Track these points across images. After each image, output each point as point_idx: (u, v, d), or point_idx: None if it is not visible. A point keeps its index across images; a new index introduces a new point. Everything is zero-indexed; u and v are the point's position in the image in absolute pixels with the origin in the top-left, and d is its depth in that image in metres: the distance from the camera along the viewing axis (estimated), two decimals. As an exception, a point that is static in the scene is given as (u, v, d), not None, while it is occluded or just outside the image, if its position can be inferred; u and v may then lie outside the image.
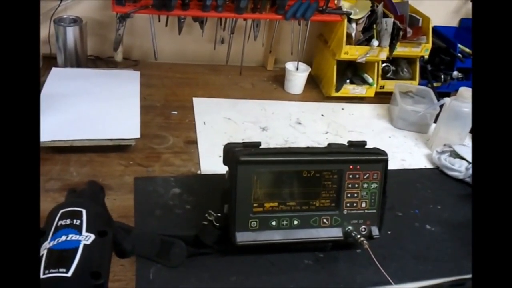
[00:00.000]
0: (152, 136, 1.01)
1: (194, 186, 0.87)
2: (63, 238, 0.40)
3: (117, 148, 0.93)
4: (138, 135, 0.92)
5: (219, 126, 1.08)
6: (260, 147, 0.71)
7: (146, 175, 0.90)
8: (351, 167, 0.70)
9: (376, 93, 1.28)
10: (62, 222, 0.42)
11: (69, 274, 0.36)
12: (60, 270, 0.36)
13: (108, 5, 1.19)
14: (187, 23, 1.20)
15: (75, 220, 0.42)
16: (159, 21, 1.18)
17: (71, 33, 1.12)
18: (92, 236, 0.41)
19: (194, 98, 1.17)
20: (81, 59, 1.17)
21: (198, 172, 0.92)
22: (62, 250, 0.39)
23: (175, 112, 1.11)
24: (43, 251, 0.39)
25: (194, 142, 1.01)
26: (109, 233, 0.44)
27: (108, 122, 0.93)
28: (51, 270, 0.36)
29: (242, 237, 0.69)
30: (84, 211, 0.44)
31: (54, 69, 1.08)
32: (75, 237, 0.40)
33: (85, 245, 0.40)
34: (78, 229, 0.42)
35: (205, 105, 1.15)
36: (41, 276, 0.35)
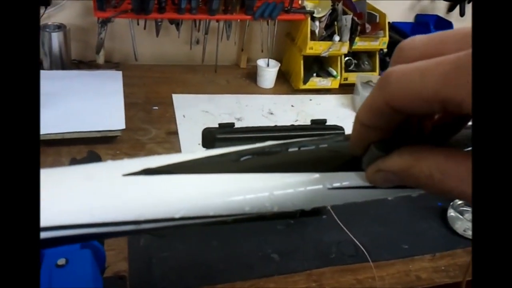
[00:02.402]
0: (136, 128, 1.10)
1: (177, 170, 0.97)
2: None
3: (104, 140, 1.02)
4: (123, 126, 1.00)
5: (198, 118, 1.17)
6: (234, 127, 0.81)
7: (132, 162, 0.98)
8: (313, 141, 0.81)
9: (340, 85, 1.40)
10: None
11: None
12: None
13: (89, 12, 1.28)
14: (164, 26, 1.29)
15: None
16: (138, 24, 1.27)
17: (56, 38, 1.20)
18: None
19: (173, 95, 1.26)
20: (66, 63, 1.25)
21: (180, 158, 1.02)
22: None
23: (156, 108, 1.20)
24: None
25: (175, 133, 1.11)
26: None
27: (95, 116, 1.02)
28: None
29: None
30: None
31: (41, 72, 1.16)
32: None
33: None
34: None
35: (184, 100, 1.25)
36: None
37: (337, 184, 0.21)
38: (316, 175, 0.21)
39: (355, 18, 1.29)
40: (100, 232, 0.19)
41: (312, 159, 0.22)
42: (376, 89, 0.20)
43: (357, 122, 0.21)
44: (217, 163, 0.21)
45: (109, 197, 0.19)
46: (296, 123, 1.21)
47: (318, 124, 0.84)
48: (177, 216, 0.20)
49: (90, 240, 0.20)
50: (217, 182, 0.20)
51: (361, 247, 0.82)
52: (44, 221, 0.19)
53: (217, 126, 1.11)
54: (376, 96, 0.20)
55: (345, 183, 0.21)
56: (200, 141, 1.06)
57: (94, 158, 0.66)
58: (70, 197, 0.19)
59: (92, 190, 0.20)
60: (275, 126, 0.84)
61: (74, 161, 0.63)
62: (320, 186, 0.21)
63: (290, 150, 0.23)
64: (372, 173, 0.21)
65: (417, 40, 0.21)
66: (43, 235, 0.19)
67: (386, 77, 0.19)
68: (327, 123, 0.86)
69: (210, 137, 0.78)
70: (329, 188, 0.21)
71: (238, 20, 1.34)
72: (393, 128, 0.20)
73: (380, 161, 0.21)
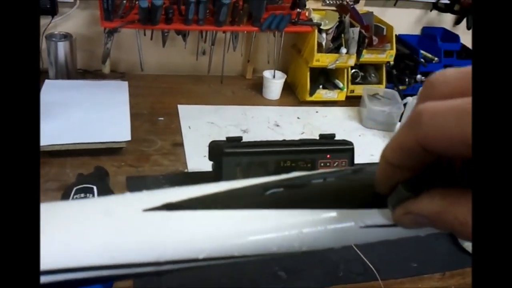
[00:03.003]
0: (141, 140, 1.09)
1: (182, 183, 0.95)
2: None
3: (109, 151, 1.01)
4: (129, 138, 0.99)
5: (203, 129, 1.16)
6: (242, 141, 0.80)
7: (137, 174, 0.97)
8: (322, 156, 0.80)
9: (347, 97, 1.39)
10: (77, 196, 0.50)
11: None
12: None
13: (95, 21, 1.28)
14: (170, 36, 1.29)
15: (88, 194, 0.50)
16: (145, 35, 1.27)
17: (62, 48, 1.20)
18: (103, 207, 0.49)
19: (179, 105, 1.26)
20: (71, 72, 1.25)
21: (186, 170, 1.00)
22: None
23: (162, 118, 1.19)
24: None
25: (181, 145, 1.09)
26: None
27: (100, 127, 1.01)
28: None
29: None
30: (95, 187, 0.52)
31: (47, 81, 1.16)
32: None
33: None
34: (91, 201, 0.49)
35: (190, 111, 1.24)
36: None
37: (369, 222, 0.20)
38: (347, 212, 0.20)
39: (363, 31, 1.29)
40: (118, 274, 0.18)
41: (339, 193, 0.21)
42: (406, 128, 0.19)
43: (384, 162, 0.20)
44: (241, 198, 0.20)
45: (129, 235, 0.18)
46: (302, 136, 1.20)
47: (327, 139, 0.83)
48: (200, 256, 0.18)
49: (106, 281, 0.18)
50: (243, 219, 0.19)
51: (369, 265, 0.80)
52: (56, 263, 0.17)
53: (223, 139, 1.10)
54: (406, 136, 0.19)
55: (378, 221, 0.20)
56: (205, 153, 1.05)
57: (101, 174, 0.65)
58: (87, 236, 0.18)
59: (111, 227, 0.18)
60: (284, 140, 0.83)
61: (81, 177, 0.62)
62: (352, 224, 0.20)
63: (314, 182, 0.22)
64: (401, 214, 0.20)
65: (449, 74, 0.20)
66: (53, 278, 0.17)
67: (418, 115, 0.18)
68: (335, 137, 0.85)
69: (217, 151, 0.77)
70: (362, 227, 0.20)
71: (245, 32, 1.33)
72: (422, 167, 0.19)
73: (409, 202, 0.20)
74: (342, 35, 1.31)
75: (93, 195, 0.50)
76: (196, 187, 0.21)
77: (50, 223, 0.18)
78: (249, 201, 0.20)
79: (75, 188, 0.51)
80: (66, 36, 1.23)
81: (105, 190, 0.53)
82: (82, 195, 0.50)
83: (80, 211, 0.19)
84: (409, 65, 1.47)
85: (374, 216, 0.20)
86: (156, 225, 0.19)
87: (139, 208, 0.19)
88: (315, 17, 1.33)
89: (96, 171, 0.64)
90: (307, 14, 1.32)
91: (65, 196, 0.51)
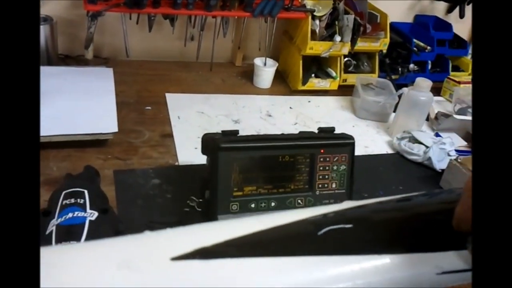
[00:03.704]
0: (128, 130, 1.03)
1: (173, 177, 0.91)
2: (70, 215, 0.43)
3: (94, 143, 0.95)
4: (116, 129, 0.94)
5: (193, 120, 1.12)
6: (238, 135, 0.76)
7: (125, 167, 0.92)
8: (322, 151, 0.76)
9: (339, 86, 1.36)
10: (67, 202, 0.45)
11: (80, 246, 0.39)
12: (71, 242, 0.39)
13: (77, 4, 1.21)
14: (157, 21, 1.23)
15: (79, 199, 0.46)
16: (130, 19, 1.20)
17: (42, 31, 1.12)
18: (96, 213, 0.45)
19: (167, 94, 1.20)
20: (52, 58, 1.18)
21: (176, 163, 0.96)
22: (70, 225, 0.42)
23: (149, 108, 1.14)
24: (52, 228, 0.42)
25: (170, 136, 1.05)
26: (110, 211, 0.47)
27: (85, 117, 0.95)
28: (63, 243, 0.39)
29: (224, 219, 0.74)
30: (86, 191, 0.47)
31: (26, 67, 1.09)
32: (80, 214, 0.43)
33: (90, 221, 0.43)
34: (82, 207, 0.45)
35: (178, 100, 1.19)
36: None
37: (447, 267, 0.16)
38: (419, 256, 0.17)
39: (358, 18, 1.25)
40: None
41: (403, 230, 0.18)
42: None
43: (468, 195, 0.17)
44: (290, 239, 0.17)
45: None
46: (295, 126, 1.16)
47: (326, 133, 0.80)
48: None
49: None
50: (297, 268, 0.16)
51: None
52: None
53: (215, 130, 1.06)
54: None
55: (457, 266, 0.17)
56: (196, 145, 1.01)
57: (91, 174, 0.60)
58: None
59: (132, 284, 0.14)
60: (282, 134, 0.79)
61: (69, 179, 0.57)
62: (426, 270, 0.16)
63: (371, 215, 0.18)
64: None
65: None
66: None
67: None
68: (334, 131, 0.82)
69: (212, 145, 0.73)
70: (438, 274, 0.16)
71: (236, 17, 1.28)
72: None
73: None
74: (336, 22, 1.27)
75: (84, 201, 0.46)
76: (233, 222, 0.17)
77: (53, 276, 0.14)
78: (301, 244, 0.16)
79: (64, 193, 0.47)
80: (47, 20, 1.15)
81: (97, 195, 0.49)
82: (72, 200, 0.45)
83: (89, 260, 0.15)
84: (402, 54, 1.45)
85: (452, 259, 0.17)
86: (190, 279, 0.15)
87: (165, 255, 0.15)
88: (308, 3, 1.28)
89: (86, 171, 0.59)
90: (299, 0, 1.28)
91: (53, 202, 0.47)
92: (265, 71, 1.31)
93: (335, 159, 0.78)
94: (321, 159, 0.77)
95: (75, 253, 0.15)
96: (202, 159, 0.82)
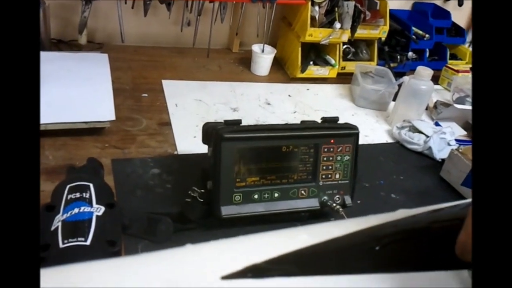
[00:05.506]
0: (124, 118, 1.01)
1: (173, 166, 0.89)
2: (76, 210, 0.41)
3: (91, 131, 0.93)
4: (113, 117, 0.92)
5: (191, 107, 1.10)
6: (241, 124, 0.74)
7: (122, 157, 0.90)
8: (329, 141, 0.75)
9: (338, 74, 1.34)
10: (72, 196, 0.44)
11: (88, 243, 0.38)
12: (79, 239, 0.38)
13: (70, -14, 1.17)
14: (153, 5, 1.19)
15: (84, 194, 0.44)
16: (126, 3, 1.17)
17: (34, 15, 1.09)
18: (103, 208, 0.43)
19: (163, 81, 1.18)
20: (45, 42, 1.14)
21: (175, 152, 0.94)
22: (77, 221, 0.40)
23: (146, 95, 1.12)
24: (57, 224, 0.40)
25: (168, 124, 1.03)
26: (116, 205, 0.46)
27: (81, 105, 0.92)
28: (70, 240, 0.38)
29: (227, 210, 0.72)
30: (91, 185, 0.45)
31: (18, 53, 1.05)
32: (87, 209, 0.42)
33: (97, 216, 0.42)
34: (88, 202, 0.43)
35: (175, 87, 1.17)
36: (60, 246, 0.36)
37: None
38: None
39: (358, 5, 1.23)
40: None
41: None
42: None
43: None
44: (347, 255, 0.15)
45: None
46: (295, 115, 1.15)
47: (330, 122, 0.78)
48: None
49: None
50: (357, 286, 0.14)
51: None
52: None
53: (213, 118, 1.04)
54: None
55: None
56: (195, 133, 0.99)
57: (95, 167, 0.58)
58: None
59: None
60: (285, 124, 0.78)
61: (72, 171, 0.55)
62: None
63: (431, 225, 0.17)
64: None
65: None
66: None
67: None
68: (338, 121, 0.80)
69: (215, 135, 0.71)
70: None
71: (234, 2, 1.25)
72: None
73: None
74: (336, 8, 1.25)
75: (90, 195, 0.44)
76: (283, 233, 0.16)
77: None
78: (357, 260, 0.15)
79: (68, 186, 0.45)
80: (39, 3, 1.11)
81: (103, 188, 0.47)
82: (78, 194, 0.43)
83: (129, 280, 0.14)
84: (401, 42, 1.43)
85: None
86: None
87: (214, 274, 0.14)
88: (308, -12, 1.25)
89: (89, 163, 0.57)
90: (299, -15, 1.25)
91: (57, 196, 0.45)
92: (263, 58, 1.29)
93: (339, 150, 0.77)
94: (325, 150, 0.76)
95: (110, 271, 0.14)
96: (201, 148, 0.80)
